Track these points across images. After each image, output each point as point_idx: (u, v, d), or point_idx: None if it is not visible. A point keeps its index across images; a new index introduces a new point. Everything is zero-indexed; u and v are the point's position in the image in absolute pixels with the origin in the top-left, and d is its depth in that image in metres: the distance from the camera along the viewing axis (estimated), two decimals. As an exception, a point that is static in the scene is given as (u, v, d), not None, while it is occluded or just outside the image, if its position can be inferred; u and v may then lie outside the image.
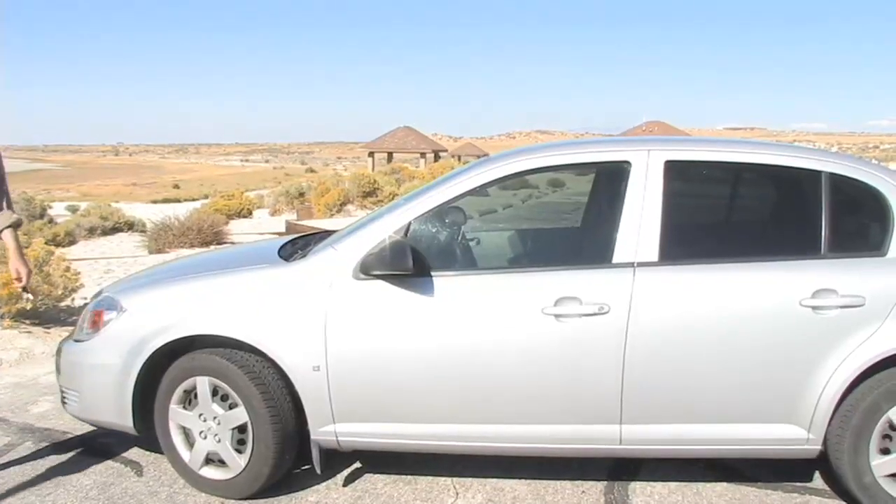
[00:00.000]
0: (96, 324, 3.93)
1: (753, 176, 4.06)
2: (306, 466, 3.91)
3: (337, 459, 4.09)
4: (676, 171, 3.65)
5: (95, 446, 4.50)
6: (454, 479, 4.00)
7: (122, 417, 3.87)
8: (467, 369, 3.54)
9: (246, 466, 3.74)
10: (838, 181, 3.63)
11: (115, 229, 20.03)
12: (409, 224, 3.67)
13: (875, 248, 3.55)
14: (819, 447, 3.55)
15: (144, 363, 3.77)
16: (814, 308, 3.42)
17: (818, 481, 3.96)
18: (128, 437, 4.44)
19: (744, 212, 4.32)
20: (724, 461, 4.05)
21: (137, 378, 3.79)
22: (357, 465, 4.17)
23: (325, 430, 3.70)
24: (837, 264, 3.51)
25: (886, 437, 3.47)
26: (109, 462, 4.28)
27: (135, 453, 4.38)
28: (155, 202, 41.51)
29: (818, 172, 3.64)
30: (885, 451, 3.47)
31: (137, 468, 4.19)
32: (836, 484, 3.77)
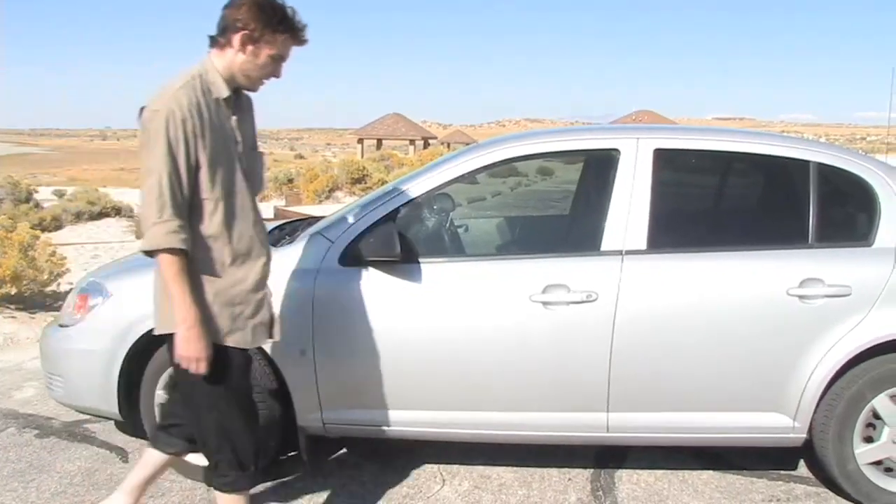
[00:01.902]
0: (82, 309, 3.90)
1: (742, 165, 4.07)
2: (292, 453, 3.91)
3: (324, 445, 4.08)
4: (665, 160, 3.65)
5: (80, 432, 4.49)
6: (441, 466, 4.00)
7: (107, 403, 3.84)
8: (455, 356, 3.53)
9: (232, 452, 3.72)
10: (826, 171, 3.63)
11: (102, 214, 19.89)
12: (398, 210, 3.66)
13: (862, 238, 3.56)
14: (804, 435, 3.57)
15: (130, 348, 3.74)
16: (801, 297, 3.42)
17: (803, 469, 3.99)
18: (113, 422, 4.43)
19: (732, 201, 4.33)
20: (710, 449, 4.06)
21: (123, 363, 3.76)
22: (344, 451, 4.17)
23: (311, 416, 3.69)
24: (824, 254, 3.52)
25: (870, 425, 3.50)
26: (94, 448, 4.27)
27: (120, 439, 4.36)
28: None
29: (806, 162, 3.65)
30: (869, 440, 3.50)
31: (122, 454, 4.18)
32: (820, 471, 3.79)
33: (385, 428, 3.72)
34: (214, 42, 2.73)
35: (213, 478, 2.89)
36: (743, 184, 4.34)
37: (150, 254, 2.60)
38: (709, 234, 3.84)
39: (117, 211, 20.15)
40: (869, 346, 3.42)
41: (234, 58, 2.71)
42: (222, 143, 2.68)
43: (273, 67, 2.78)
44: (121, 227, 16.73)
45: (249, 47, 2.69)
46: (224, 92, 2.72)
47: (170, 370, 3.76)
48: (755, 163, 3.92)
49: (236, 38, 2.67)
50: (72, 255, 10.88)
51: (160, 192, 2.54)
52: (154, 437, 3.16)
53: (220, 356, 2.74)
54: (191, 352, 2.64)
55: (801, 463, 4.02)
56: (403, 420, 3.67)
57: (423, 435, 3.75)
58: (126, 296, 3.83)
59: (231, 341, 2.78)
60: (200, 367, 2.67)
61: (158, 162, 2.54)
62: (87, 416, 4.46)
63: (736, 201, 4.35)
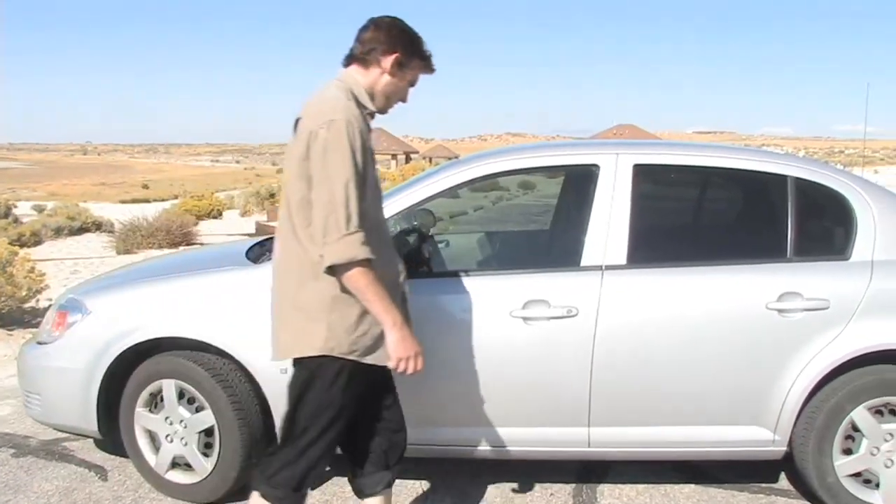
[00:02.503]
0: (60, 326, 3.87)
1: (721, 180, 4.10)
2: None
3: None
4: (645, 175, 3.67)
5: (58, 451, 4.44)
6: (422, 482, 3.99)
7: (86, 421, 3.81)
8: (435, 372, 3.50)
9: (213, 470, 3.70)
10: (804, 186, 3.66)
11: (82, 229, 19.79)
12: (379, 226, 3.65)
13: (839, 251, 3.59)
14: (785, 448, 3.59)
15: (109, 366, 3.72)
16: (780, 311, 3.45)
17: (784, 482, 4.00)
18: (92, 440, 4.39)
19: (711, 215, 4.35)
20: (691, 463, 4.07)
21: (102, 381, 3.73)
22: (327, 468, 4.14)
23: (292, 433, 3.66)
24: (803, 268, 3.55)
25: (849, 437, 3.51)
26: (73, 466, 4.22)
27: (99, 457, 4.33)
28: (124, 202, 41.05)
29: (784, 177, 3.68)
30: (848, 452, 3.52)
31: (101, 472, 4.14)
32: (800, 484, 3.80)
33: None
34: (357, 60, 2.76)
35: (263, 485, 2.79)
36: (722, 198, 4.37)
37: (332, 269, 2.55)
38: (688, 248, 3.86)
39: (98, 226, 20.06)
40: (847, 358, 3.44)
41: (379, 78, 2.75)
42: (372, 157, 2.71)
43: (405, 92, 2.85)
44: (101, 242, 16.63)
45: (399, 71, 2.75)
46: (372, 107, 2.76)
47: (150, 387, 3.74)
48: (734, 178, 3.95)
49: (387, 61, 2.72)
50: (51, 270, 10.80)
51: (346, 202, 2.51)
52: (358, 486, 3.10)
53: (352, 372, 2.72)
54: (408, 350, 2.65)
55: (783, 476, 4.04)
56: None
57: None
58: (105, 313, 3.81)
59: (371, 358, 2.73)
60: (419, 363, 2.69)
61: (343, 172, 2.51)
62: (66, 435, 4.41)
63: (715, 216, 4.38)
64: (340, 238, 2.50)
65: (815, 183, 3.68)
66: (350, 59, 2.78)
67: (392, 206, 3.69)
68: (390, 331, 2.62)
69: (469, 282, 3.68)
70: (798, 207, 3.63)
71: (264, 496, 2.79)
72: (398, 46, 2.72)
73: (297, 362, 2.74)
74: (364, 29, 2.77)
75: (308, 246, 2.60)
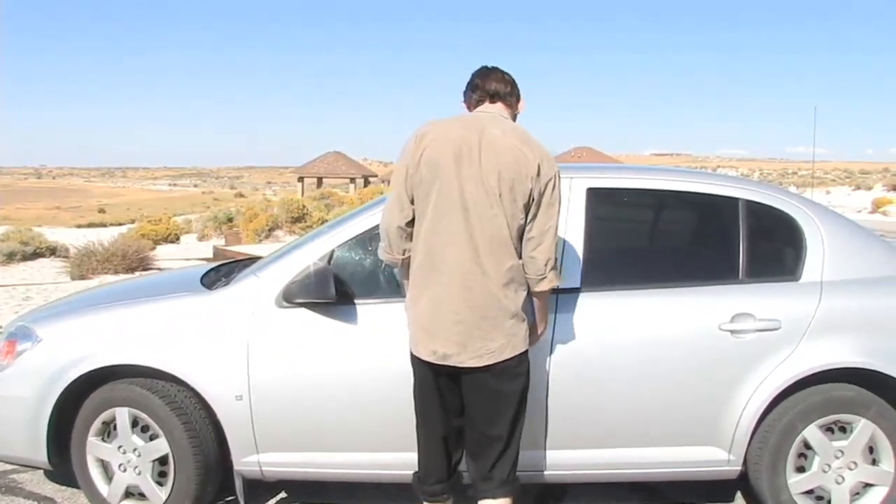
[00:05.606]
0: (9, 355, 3.79)
1: (674, 203, 4.14)
2: (230, 498, 3.83)
3: (261, 489, 4.01)
4: (598, 199, 3.70)
5: (5, 483, 4.33)
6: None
7: (35, 452, 3.73)
8: (390, 397, 3.48)
9: (167, 499, 3.65)
10: (755, 208, 3.73)
11: (36, 254, 19.39)
12: (333, 251, 3.65)
13: (790, 273, 3.66)
14: (739, 468, 3.62)
15: (61, 395, 3.65)
16: (732, 332, 3.49)
17: (739, 500, 4.04)
18: (42, 472, 4.30)
19: (665, 238, 4.40)
20: (648, 484, 4.09)
21: (53, 410, 3.66)
22: (282, 495, 4.10)
23: (248, 460, 3.63)
24: (754, 289, 3.60)
25: (802, 455, 3.56)
26: (21, 499, 4.12)
27: (49, 489, 4.23)
28: (79, 226, 40.36)
29: (735, 199, 3.74)
30: (801, 469, 3.57)
31: (52, 504, 4.04)
32: (755, 503, 3.84)
33: (323, 470, 3.68)
34: (502, 99, 3.19)
35: (507, 488, 3.15)
36: (675, 221, 4.42)
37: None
38: (642, 271, 3.89)
39: (52, 251, 19.69)
40: (799, 377, 3.50)
41: (513, 117, 3.24)
42: None
43: None
44: (55, 267, 16.31)
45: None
46: None
47: (103, 415, 3.68)
48: (687, 201, 4.01)
49: (521, 105, 3.27)
50: (2, 297, 10.59)
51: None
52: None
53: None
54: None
55: (738, 495, 4.07)
56: (341, 462, 3.63)
57: (361, 477, 3.71)
58: (57, 340, 3.75)
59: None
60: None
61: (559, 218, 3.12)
62: (14, 467, 4.31)
63: (668, 239, 4.42)
64: (553, 266, 3.04)
65: (765, 205, 3.74)
66: (496, 98, 3.18)
67: (346, 232, 3.70)
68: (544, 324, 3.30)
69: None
70: (749, 229, 3.69)
71: (512, 494, 3.17)
72: (520, 93, 3.26)
73: (519, 361, 3.09)
74: (493, 74, 3.20)
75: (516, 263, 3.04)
